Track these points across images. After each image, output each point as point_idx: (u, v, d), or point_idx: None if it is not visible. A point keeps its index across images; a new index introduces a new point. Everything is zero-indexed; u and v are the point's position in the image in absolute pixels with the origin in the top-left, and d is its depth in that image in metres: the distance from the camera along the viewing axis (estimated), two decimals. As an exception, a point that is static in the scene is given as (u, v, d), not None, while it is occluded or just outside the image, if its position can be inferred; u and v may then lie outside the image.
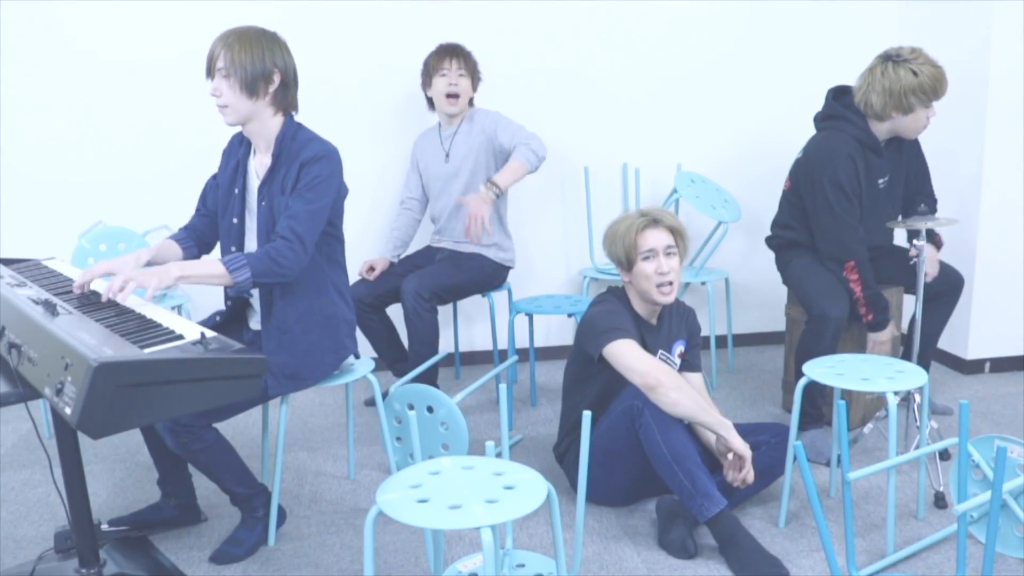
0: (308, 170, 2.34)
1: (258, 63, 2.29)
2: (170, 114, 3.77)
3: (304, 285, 2.43)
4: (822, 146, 3.06)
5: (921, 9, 4.06)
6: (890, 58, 2.95)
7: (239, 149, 2.51)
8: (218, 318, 2.57)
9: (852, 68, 4.18)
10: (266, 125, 2.38)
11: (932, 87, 2.91)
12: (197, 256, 2.57)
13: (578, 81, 4.03)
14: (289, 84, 2.38)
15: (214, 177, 2.59)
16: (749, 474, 2.43)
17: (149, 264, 2.39)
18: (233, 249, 2.49)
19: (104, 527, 2.54)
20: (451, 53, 3.43)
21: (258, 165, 2.46)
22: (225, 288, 2.52)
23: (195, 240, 2.57)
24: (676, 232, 2.58)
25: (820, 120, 3.16)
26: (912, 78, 2.91)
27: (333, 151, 2.38)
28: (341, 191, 2.45)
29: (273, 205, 2.38)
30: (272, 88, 2.33)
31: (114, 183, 3.79)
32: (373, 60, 3.86)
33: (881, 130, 3.03)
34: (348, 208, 3.71)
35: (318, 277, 2.46)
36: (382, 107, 3.91)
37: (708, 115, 4.18)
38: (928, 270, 3.13)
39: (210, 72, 2.32)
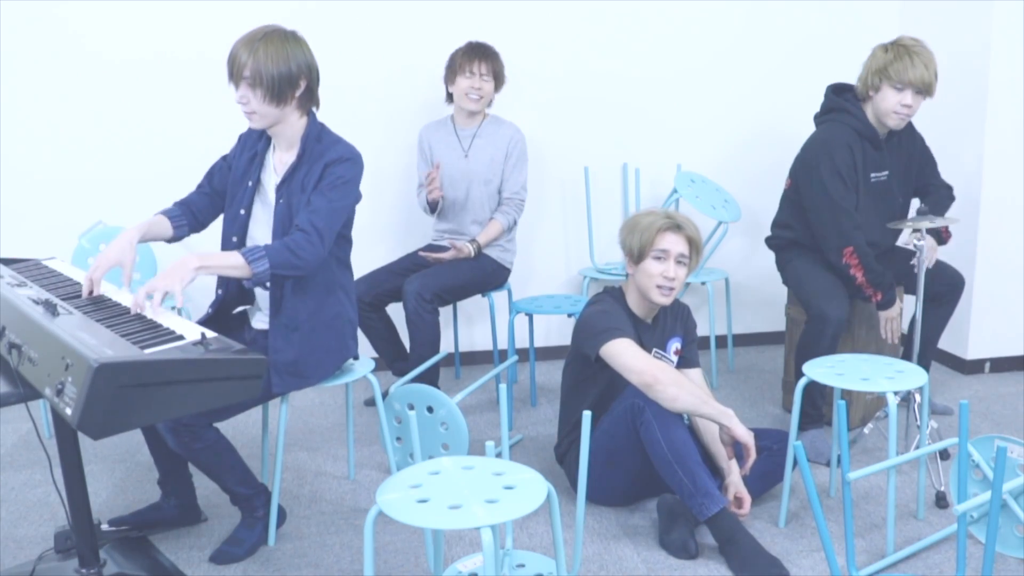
0: (333, 170, 2.34)
1: (284, 70, 2.26)
2: (171, 114, 3.77)
3: (314, 284, 2.43)
4: (820, 137, 3.09)
5: (921, 8, 4.06)
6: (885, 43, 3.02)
7: (258, 142, 2.49)
8: (210, 310, 2.55)
9: (852, 67, 4.18)
10: (291, 126, 2.38)
11: (889, 62, 2.94)
12: (187, 233, 2.52)
13: (578, 81, 4.03)
14: (313, 86, 2.37)
15: (224, 158, 2.56)
16: (745, 505, 2.51)
17: (141, 241, 2.32)
18: (234, 240, 2.47)
19: (104, 527, 2.53)
20: (480, 55, 3.42)
21: (277, 162, 2.45)
22: (222, 279, 2.50)
23: (188, 217, 2.51)
24: (693, 244, 2.60)
25: (820, 115, 3.19)
26: (882, 53, 2.98)
27: (358, 155, 2.39)
28: (358, 196, 2.46)
29: (292, 203, 2.38)
30: (298, 93, 2.32)
31: (114, 183, 3.79)
32: (385, 60, 3.86)
33: (872, 119, 3.05)
34: (362, 206, 3.72)
35: (328, 277, 2.46)
36: (398, 107, 3.91)
37: (708, 115, 4.18)
38: (928, 260, 3.13)
39: (234, 78, 2.28)
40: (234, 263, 2.21)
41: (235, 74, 2.28)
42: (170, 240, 2.48)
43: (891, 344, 3.22)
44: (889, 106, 2.98)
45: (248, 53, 2.25)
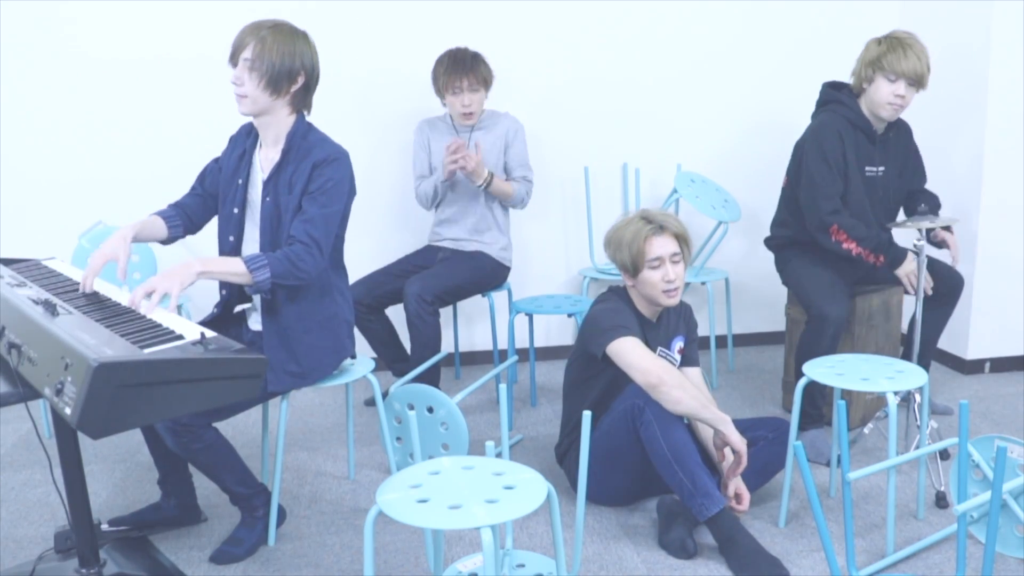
0: (321, 172, 2.34)
1: (287, 61, 2.27)
2: (170, 114, 3.77)
3: (308, 288, 2.43)
4: (812, 126, 3.13)
5: (921, 8, 4.06)
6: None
7: (246, 139, 2.49)
8: (216, 310, 2.56)
9: (853, 66, 4.20)
10: (279, 121, 2.38)
11: (883, 53, 2.96)
12: (182, 235, 2.52)
13: (578, 81, 4.03)
14: (310, 86, 2.37)
15: (216, 160, 2.57)
16: (744, 501, 2.51)
17: (135, 240, 2.31)
18: (231, 239, 2.48)
19: (104, 527, 2.54)
20: (462, 70, 3.32)
21: (264, 159, 2.45)
22: (226, 284, 2.51)
23: (183, 219, 2.51)
24: (681, 238, 2.59)
25: (815, 111, 3.22)
26: (875, 46, 3.00)
27: (345, 154, 2.39)
28: (351, 194, 2.46)
29: (279, 203, 2.38)
30: (294, 88, 2.33)
31: (114, 183, 3.79)
32: (381, 60, 3.86)
33: (867, 112, 3.08)
34: (356, 207, 3.71)
35: (321, 278, 2.46)
36: (392, 108, 3.91)
37: (708, 115, 4.18)
38: (954, 255, 3.13)
39: (234, 58, 2.30)
40: (236, 270, 2.22)
41: (236, 53, 2.29)
42: (164, 241, 2.49)
43: (927, 293, 3.11)
44: (883, 97, 3.01)
45: (255, 37, 2.26)
